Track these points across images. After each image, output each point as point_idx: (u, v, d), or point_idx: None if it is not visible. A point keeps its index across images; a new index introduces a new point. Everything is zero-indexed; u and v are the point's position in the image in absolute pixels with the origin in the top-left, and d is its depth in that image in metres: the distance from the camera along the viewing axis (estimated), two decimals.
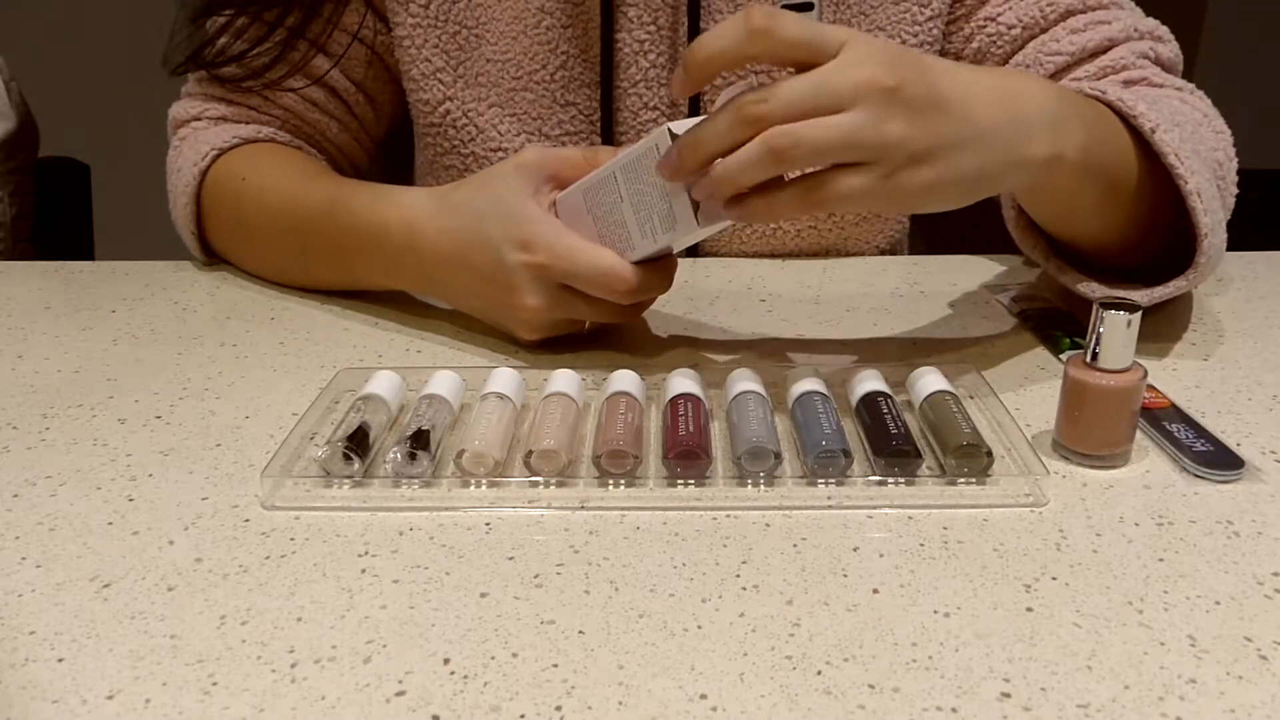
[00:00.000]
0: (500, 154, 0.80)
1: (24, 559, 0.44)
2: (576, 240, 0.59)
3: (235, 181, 0.77)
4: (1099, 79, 0.72)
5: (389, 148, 0.99)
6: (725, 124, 0.50)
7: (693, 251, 0.82)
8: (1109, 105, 0.61)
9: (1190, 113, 0.68)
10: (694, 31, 0.75)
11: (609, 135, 0.78)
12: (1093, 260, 0.66)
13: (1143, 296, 0.61)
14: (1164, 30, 0.75)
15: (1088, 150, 0.56)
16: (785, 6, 0.58)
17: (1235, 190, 0.68)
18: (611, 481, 0.49)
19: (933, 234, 0.95)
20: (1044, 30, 0.75)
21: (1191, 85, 0.73)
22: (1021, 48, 0.76)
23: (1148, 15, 0.76)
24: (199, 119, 0.81)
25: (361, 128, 0.85)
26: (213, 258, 0.81)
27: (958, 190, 0.52)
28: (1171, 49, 0.75)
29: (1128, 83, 0.71)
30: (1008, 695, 0.36)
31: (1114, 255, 0.65)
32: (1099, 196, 0.60)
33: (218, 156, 0.78)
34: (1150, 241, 0.65)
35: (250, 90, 0.80)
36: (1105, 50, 0.73)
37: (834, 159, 0.50)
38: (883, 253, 0.85)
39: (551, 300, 0.61)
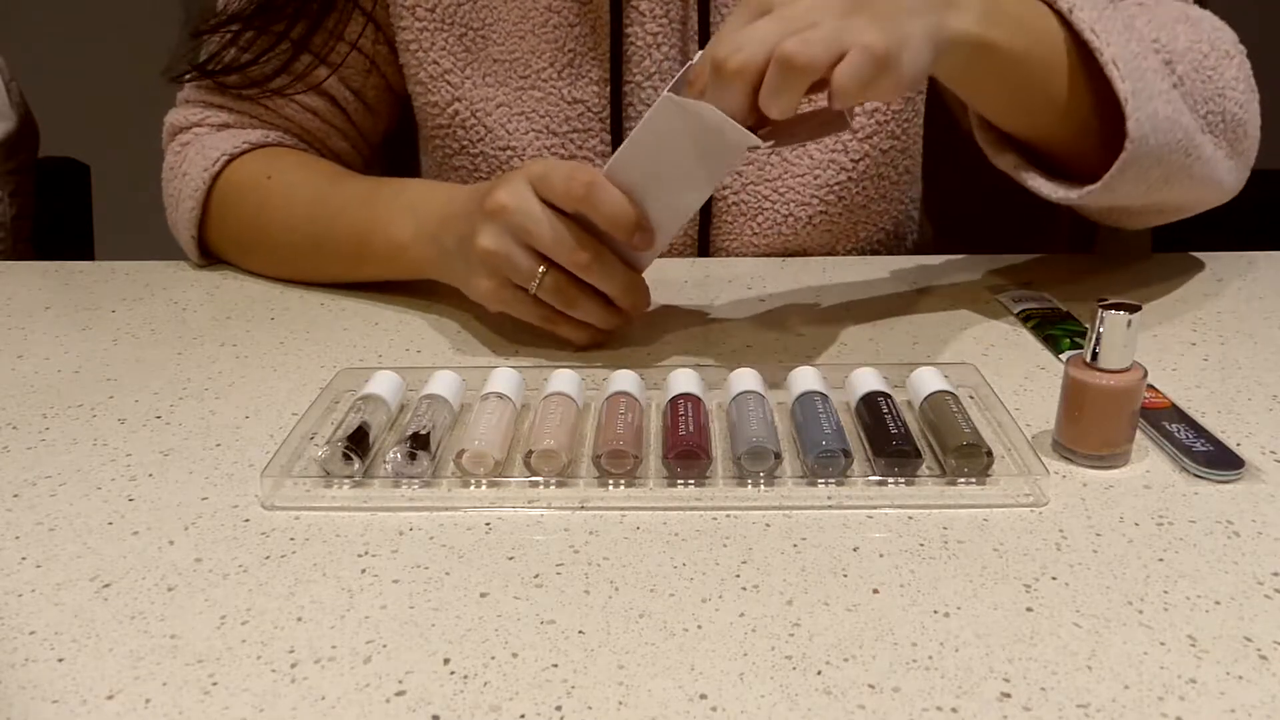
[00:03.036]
0: (509, 153, 0.80)
1: (24, 559, 0.44)
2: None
3: (259, 180, 0.78)
4: None
5: (390, 155, 1.00)
6: (719, 91, 0.52)
7: (695, 251, 0.82)
8: None
9: (1160, 10, 0.69)
10: (704, 22, 0.76)
11: (618, 131, 0.78)
12: (1059, 161, 0.67)
13: (1074, 191, 0.64)
14: None
15: (1018, 36, 0.60)
16: None
17: (1237, 89, 0.68)
18: (611, 481, 0.49)
19: (941, 223, 0.95)
20: None
21: (1198, 8, 0.72)
22: None
23: None
24: (200, 125, 0.82)
25: (360, 136, 0.87)
26: (208, 259, 0.81)
27: (916, 54, 0.54)
28: None
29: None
30: (1008, 695, 0.36)
31: (1073, 152, 0.66)
32: (1039, 87, 0.62)
33: (229, 161, 0.79)
34: (1100, 136, 0.66)
35: (252, 99, 0.81)
36: None
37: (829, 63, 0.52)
38: (890, 234, 0.85)
39: (518, 199, 0.59)
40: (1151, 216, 0.72)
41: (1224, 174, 0.69)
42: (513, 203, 0.59)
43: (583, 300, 0.61)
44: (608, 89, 0.78)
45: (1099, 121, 0.65)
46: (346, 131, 0.85)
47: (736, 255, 0.82)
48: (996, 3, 0.60)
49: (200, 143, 0.80)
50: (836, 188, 0.80)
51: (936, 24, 0.56)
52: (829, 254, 0.83)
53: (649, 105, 0.78)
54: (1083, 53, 0.62)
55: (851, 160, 0.80)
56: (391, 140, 0.94)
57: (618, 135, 0.78)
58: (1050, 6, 0.63)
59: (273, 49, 0.78)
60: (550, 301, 0.62)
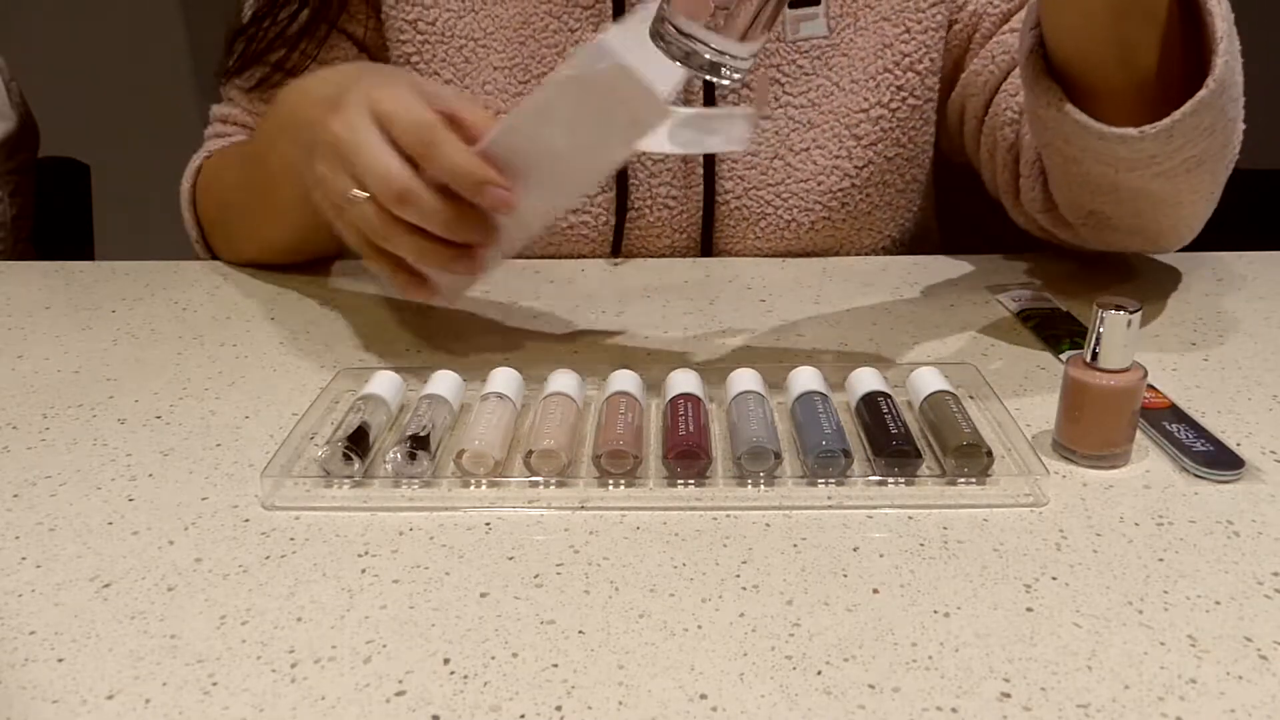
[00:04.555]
0: None
1: (24, 559, 0.44)
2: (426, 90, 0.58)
3: (214, 166, 0.82)
4: None
5: None
6: None
7: (699, 254, 0.82)
8: None
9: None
10: None
11: None
12: (1104, 103, 0.63)
13: (1151, 128, 0.59)
14: None
15: None
16: (792, 6, 0.57)
17: (1241, 122, 0.65)
18: (611, 481, 0.49)
19: (947, 228, 0.95)
20: None
21: None
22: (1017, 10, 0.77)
23: None
24: (224, 121, 0.86)
25: None
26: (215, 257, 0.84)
27: None
28: None
29: None
30: (1008, 695, 0.36)
31: (1125, 96, 0.62)
32: (1122, 11, 0.59)
33: (207, 158, 0.83)
34: (1159, 91, 0.62)
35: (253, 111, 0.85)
36: None
37: None
38: (895, 241, 0.85)
39: (351, 132, 0.56)
40: (1126, 235, 0.71)
41: (1216, 192, 0.68)
42: (345, 135, 0.56)
43: (398, 234, 0.56)
44: None
45: (1170, 73, 0.61)
46: None
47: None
48: None
49: (204, 147, 0.84)
50: (840, 194, 0.80)
51: None
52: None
53: None
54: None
55: (855, 167, 0.80)
56: None
57: None
58: None
59: (247, 68, 0.81)
60: (365, 230, 0.58)
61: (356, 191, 0.56)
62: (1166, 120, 0.59)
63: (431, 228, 0.56)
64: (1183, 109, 0.58)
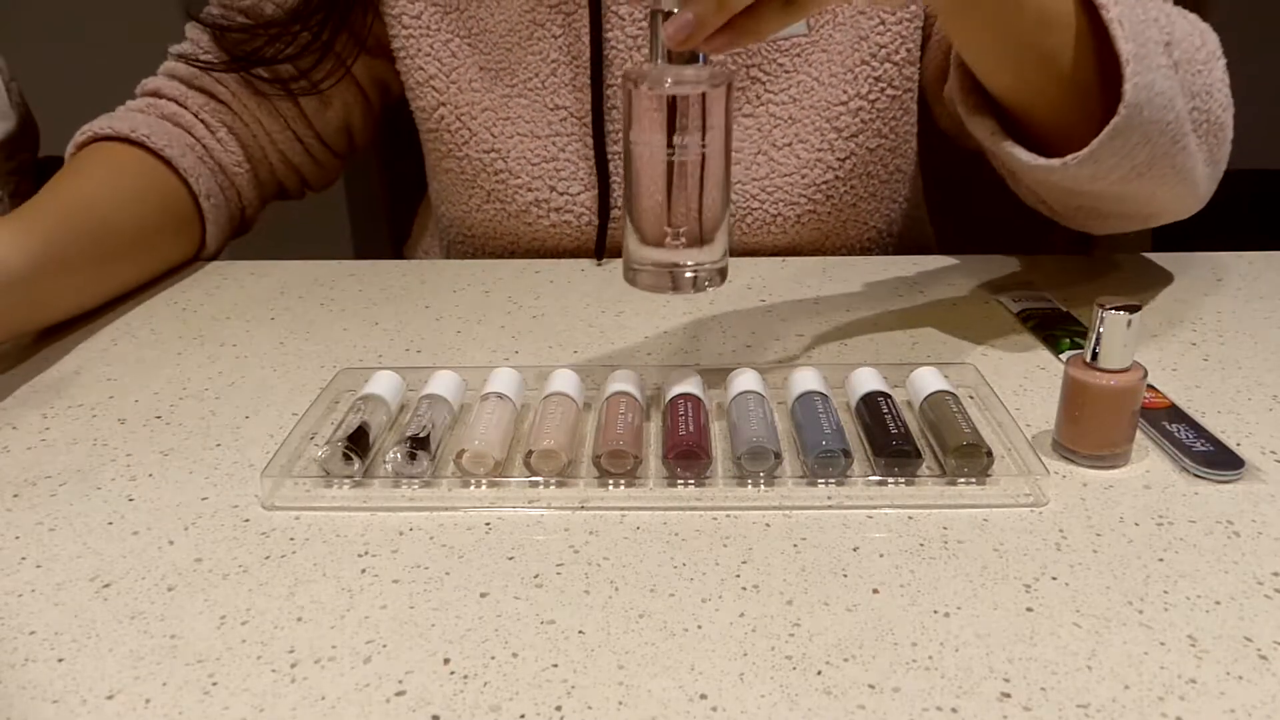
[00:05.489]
0: (494, 155, 0.81)
1: (24, 559, 0.44)
2: None
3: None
4: None
5: (389, 157, 1.01)
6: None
7: None
8: None
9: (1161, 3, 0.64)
10: None
11: (600, 134, 0.79)
12: (1040, 135, 0.63)
13: (1073, 158, 0.59)
14: None
15: None
16: None
17: (1221, 92, 0.65)
18: (611, 481, 0.49)
19: (946, 229, 0.95)
20: None
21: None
22: None
23: None
24: (154, 95, 0.87)
25: (314, 135, 0.89)
26: None
27: None
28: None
29: None
30: (1008, 695, 0.36)
31: (1059, 122, 0.62)
32: (1032, 38, 0.59)
33: (88, 142, 0.83)
34: (1089, 108, 0.61)
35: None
36: None
37: None
38: (881, 233, 0.85)
39: None
40: (1120, 219, 0.70)
41: (1200, 178, 0.67)
42: None
43: None
44: (589, 95, 0.79)
45: (1093, 88, 0.61)
46: (292, 121, 0.87)
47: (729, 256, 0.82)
48: None
49: (110, 115, 0.84)
50: (824, 186, 0.80)
51: None
52: (819, 252, 0.83)
53: None
54: (1087, 10, 0.59)
55: (838, 159, 0.80)
56: (393, 142, 0.95)
57: (599, 138, 0.79)
58: None
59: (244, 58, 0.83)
60: None
61: None
62: (1084, 151, 0.58)
63: None
64: (1099, 138, 0.58)
